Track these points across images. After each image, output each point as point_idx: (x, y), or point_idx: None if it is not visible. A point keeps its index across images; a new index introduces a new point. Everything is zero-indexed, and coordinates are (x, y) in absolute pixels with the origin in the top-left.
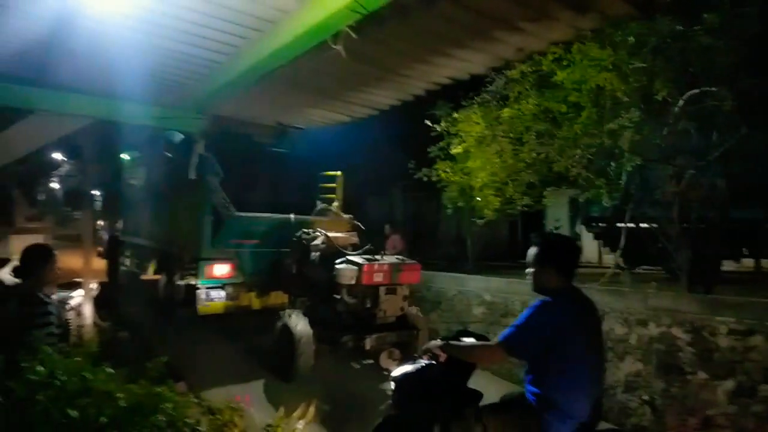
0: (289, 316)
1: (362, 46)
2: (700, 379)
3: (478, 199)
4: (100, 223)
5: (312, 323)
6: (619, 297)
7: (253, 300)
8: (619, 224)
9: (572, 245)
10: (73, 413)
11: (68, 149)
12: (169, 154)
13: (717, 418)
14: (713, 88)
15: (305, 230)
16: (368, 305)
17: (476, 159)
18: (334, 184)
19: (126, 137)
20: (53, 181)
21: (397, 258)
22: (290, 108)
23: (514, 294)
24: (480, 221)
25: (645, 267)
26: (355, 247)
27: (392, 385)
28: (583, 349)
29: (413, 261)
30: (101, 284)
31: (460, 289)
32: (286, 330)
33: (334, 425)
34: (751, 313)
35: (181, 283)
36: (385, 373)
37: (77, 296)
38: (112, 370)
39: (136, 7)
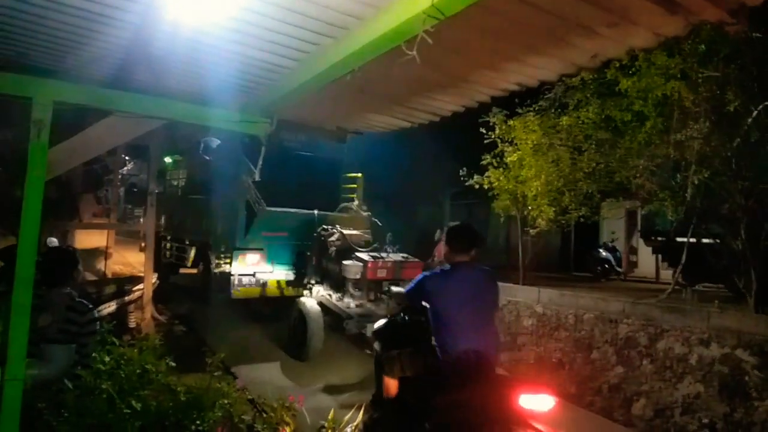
0: (304, 303)
1: (430, 51)
2: None
3: (531, 208)
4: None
5: (325, 312)
6: (680, 315)
7: (281, 288)
8: (680, 239)
9: (460, 230)
10: (137, 405)
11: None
12: (207, 157)
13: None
14: None
15: (324, 227)
16: (372, 297)
17: (531, 167)
18: (355, 185)
19: (177, 140)
20: (117, 179)
21: (402, 256)
22: (353, 113)
23: (566, 306)
24: (533, 231)
25: (706, 284)
26: (367, 244)
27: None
28: (453, 304)
29: (416, 260)
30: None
31: (509, 299)
32: (301, 315)
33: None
34: None
35: (217, 271)
36: None
37: (137, 290)
38: (173, 363)
39: (211, 12)
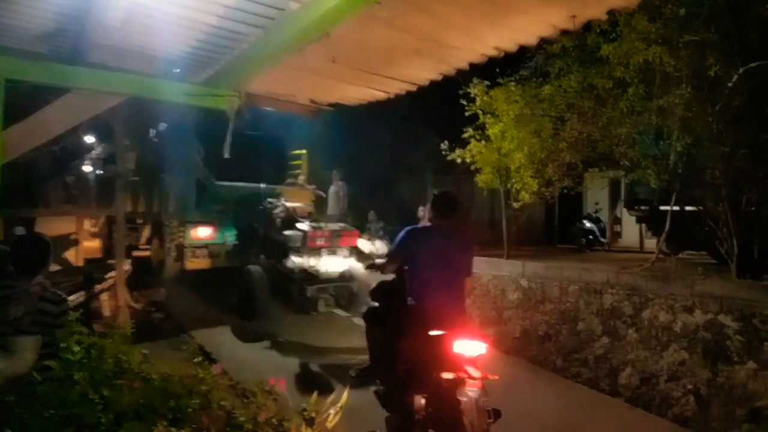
0: (251, 270)
1: (404, 16)
2: (749, 368)
3: (514, 181)
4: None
5: (271, 277)
6: (664, 283)
7: (232, 258)
8: (663, 207)
9: (442, 196)
10: (110, 394)
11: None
12: (156, 140)
13: (766, 410)
14: None
15: (270, 200)
16: (312, 263)
17: (514, 139)
18: (300, 161)
19: (147, 121)
20: (86, 164)
21: (339, 226)
22: (326, 85)
23: (551, 279)
24: (516, 204)
25: (690, 252)
26: (310, 216)
27: (370, 292)
28: (428, 262)
29: (352, 228)
30: (137, 265)
31: (494, 274)
32: (247, 280)
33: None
34: None
35: (171, 245)
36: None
37: (110, 278)
38: (146, 351)
39: None
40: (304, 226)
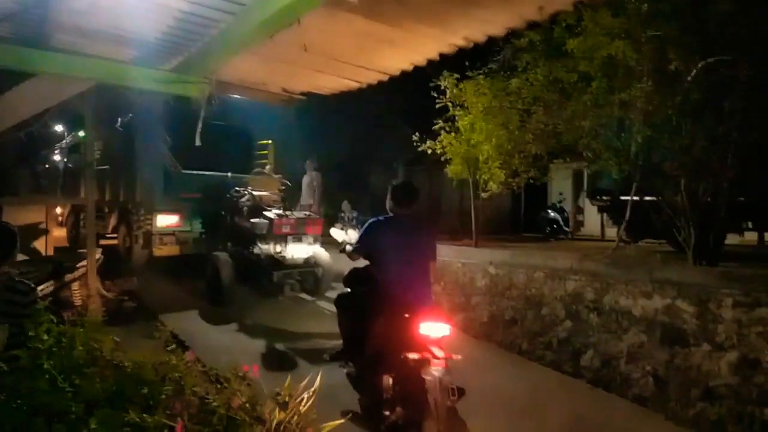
0: (218, 256)
1: (375, 4)
2: (704, 350)
3: (483, 172)
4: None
5: (238, 264)
6: (624, 270)
7: (200, 245)
8: (623, 197)
9: (401, 186)
10: (79, 381)
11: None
12: (123, 128)
13: (719, 389)
14: (728, 58)
15: (237, 188)
16: (278, 249)
17: (482, 131)
18: (267, 151)
19: (119, 108)
20: (55, 153)
21: (304, 214)
22: (297, 74)
23: (518, 266)
24: (485, 194)
25: (649, 240)
26: (277, 204)
27: (343, 278)
28: (391, 251)
29: (317, 216)
30: (108, 254)
31: (464, 262)
32: (215, 265)
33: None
34: (758, 285)
35: (139, 232)
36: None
37: (81, 267)
38: (117, 339)
39: None
40: (270, 213)
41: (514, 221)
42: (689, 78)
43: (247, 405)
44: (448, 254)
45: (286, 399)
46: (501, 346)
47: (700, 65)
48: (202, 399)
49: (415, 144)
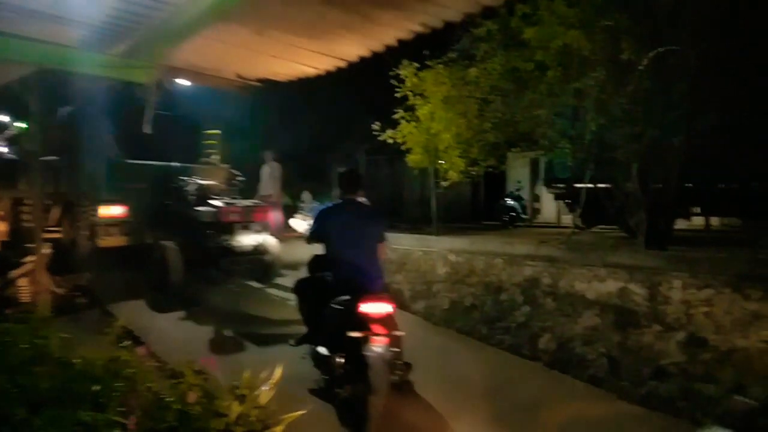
0: (164, 245)
1: None
2: (655, 331)
3: (441, 162)
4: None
5: (186, 253)
6: (579, 255)
7: (147, 235)
8: (578, 185)
9: (347, 173)
10: (24, 381)
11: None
12: (65, 117)
13: (669, 368)
14: (677, 48)
15: (182, 177)
16: (226, 238)
17: (442, 120)
18: (214, 141)
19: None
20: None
21: (252, 202)
22: (252, 59)
23: (477, 253)
24: (445, 183)
25: (603, 226)
26: (224, 193)
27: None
28: (340, 235)
29: (264, 204)
30: (56, 248)
31: (425, 250)
32: (162, 255)
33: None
34: (704, 267)
35: (83, 224)
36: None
37: (28, 262)
38: (66, 336)
39: None
40: (216, 202)
41: (474, 209)
42: (641, 67)
43: (204, 399)
44: (410, 243)
45: (245, 392)
46: (461, 332)
47: (650, 54)
48: (157, 395)
49: (375, 133)
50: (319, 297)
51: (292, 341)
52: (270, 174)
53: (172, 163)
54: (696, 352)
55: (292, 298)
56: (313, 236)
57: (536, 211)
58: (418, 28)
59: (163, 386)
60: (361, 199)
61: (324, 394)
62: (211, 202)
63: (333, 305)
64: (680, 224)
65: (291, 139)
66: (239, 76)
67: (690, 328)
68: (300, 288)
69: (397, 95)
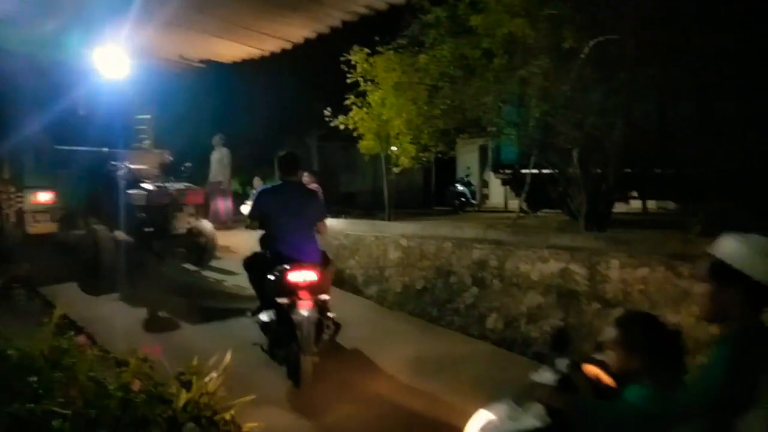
0: (96, 229)
1: None
2: (594, 308)
3: (393, 148)
4: None
5: (118, 237)
6: (524, 237)
7: (77, 222)
8: (524, 170)
9: (286, 156)
10: None
11: None
12: None
13: (608, 343)
14: (617, 37)
15: (113, 162)
16: (159, 220)
17: (393, 106)
18: (145, 126)
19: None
20: None
21: (184, 185)
22: (194, 40)
23: (428, 238)
24: (396, 169)
25: (547, 210)
26: (157, 177)
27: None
28: (278, 214)
29: (197, 188)
30: None
31: (377, 236)
32: (93, 238)
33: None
34: (640, 247)
35: (10, 210)
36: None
37: None
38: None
39: None
40: (148, 185)
41: (425, 195)
42: (582, 55)
43: (151, 387)
44: (363, 228)
45: (190, 378)
46: (413, 314)
47: (591, 43)
48: (99, 383)
49: (327, 119)
50: (262, 270)
51: (248, 313)
52: (219, 160)
53: (103, 149)
54: None
55: (229, 281)
56: (252, 215)
57: (485, 197)
58: (363, 11)
59: (107, 375)
60: (312, 184)
61: (269, 353)
62: (142, 185)
63: (269, 276)
64: (619, 207)
65: (243, 124)
66: (182, 57)
67: (627, 305)
68: (248, 263)
69: (349, 81)
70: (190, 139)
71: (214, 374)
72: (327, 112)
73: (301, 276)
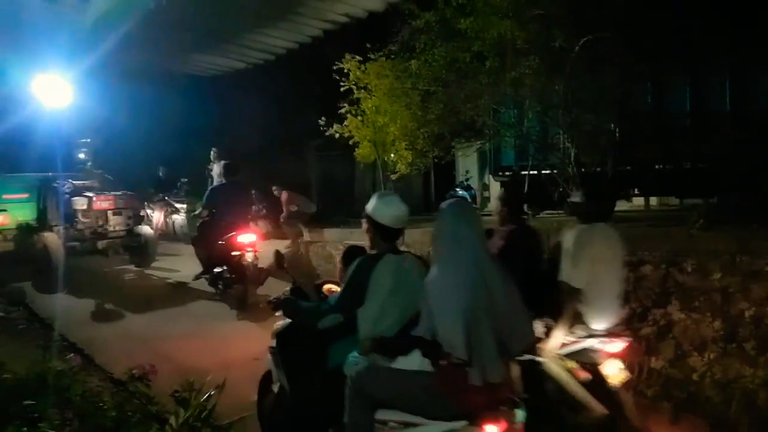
0: (45, 236)
1: None
2: None
3: (391, 155)
4: None
5: (65, 239)
6: None
7: (30, 238)
8: (523, 172)
9: (226, 166)
10: None
11: None
12: None
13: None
14: (606, 35)
15: (58, 181)
16: (100, 222)
17: (387, 113)
18: (85, 149)
19: None
20: None
21: (122, 192)
22: (177, 53)
23: (428, 244)
24: (394, 176)
25: (548, 211)
26: (99, 191)
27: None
28: (226, 205)
29: (132, 193)
30: None
31: None
32: (42, 244)
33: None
34: (642, 245)
35: None
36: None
37: None
38: None
39: None
40: (89, 193)
41: (425, 201)
42: (572, 55)
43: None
44: (358, 238)
45: (186, 395)
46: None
47: (581, 42)
48: (94, 404)
49: (322, 129)
50: (211, 241)
51: (193, 277)
52: (219, 174)
53: (48, 173)
54: (637, 327)
55: (172, 278)
56: (206, 205)
57: (486, 200)
58: (342, 19)
59: (102, 394)
60: (282, 193)
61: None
62: (84, 194)
63: (220, 241)
64: (622, 205)
65: (239, 137)
66: (168, 71)
67: (632, 303)
68: (195, 239)
69: (342, 89)
70: (185, 154)
71: (212, 391)
72: (321, 121)
73: (246, 237)
